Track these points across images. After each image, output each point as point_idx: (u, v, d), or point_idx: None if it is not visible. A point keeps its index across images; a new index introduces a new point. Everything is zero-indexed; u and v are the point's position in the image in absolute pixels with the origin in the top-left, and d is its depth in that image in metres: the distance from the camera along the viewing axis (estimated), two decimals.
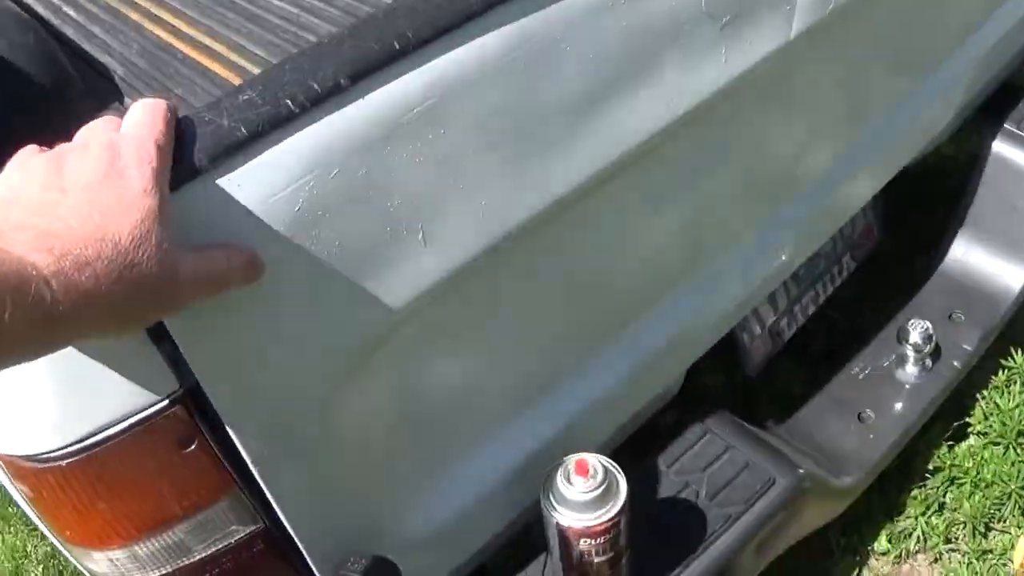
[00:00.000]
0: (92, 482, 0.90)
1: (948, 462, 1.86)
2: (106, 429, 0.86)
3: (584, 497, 1.14)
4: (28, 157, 0.75)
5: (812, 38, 1.28)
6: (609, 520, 1.14)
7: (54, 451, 0.87)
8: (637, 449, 1.43)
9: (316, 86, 0.85)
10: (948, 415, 1.87)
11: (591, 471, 1.14)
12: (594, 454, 1.17)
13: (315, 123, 0.86)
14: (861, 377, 1.70)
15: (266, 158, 0.84)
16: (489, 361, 1.16)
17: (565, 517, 1.15)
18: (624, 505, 1.16)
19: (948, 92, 1.74)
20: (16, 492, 0.99)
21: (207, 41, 1.82)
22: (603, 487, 1.14)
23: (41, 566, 2.13)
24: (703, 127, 1.21)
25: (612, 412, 1.35)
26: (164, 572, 1.00)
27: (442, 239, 0.97)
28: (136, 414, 0.86)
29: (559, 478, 1.15)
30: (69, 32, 1.98)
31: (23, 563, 2.15)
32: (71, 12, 2.08)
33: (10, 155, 0.77)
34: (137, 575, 1.00)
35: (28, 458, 0.88)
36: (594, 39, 1.01)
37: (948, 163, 2.08)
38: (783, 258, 1.52)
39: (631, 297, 1.30)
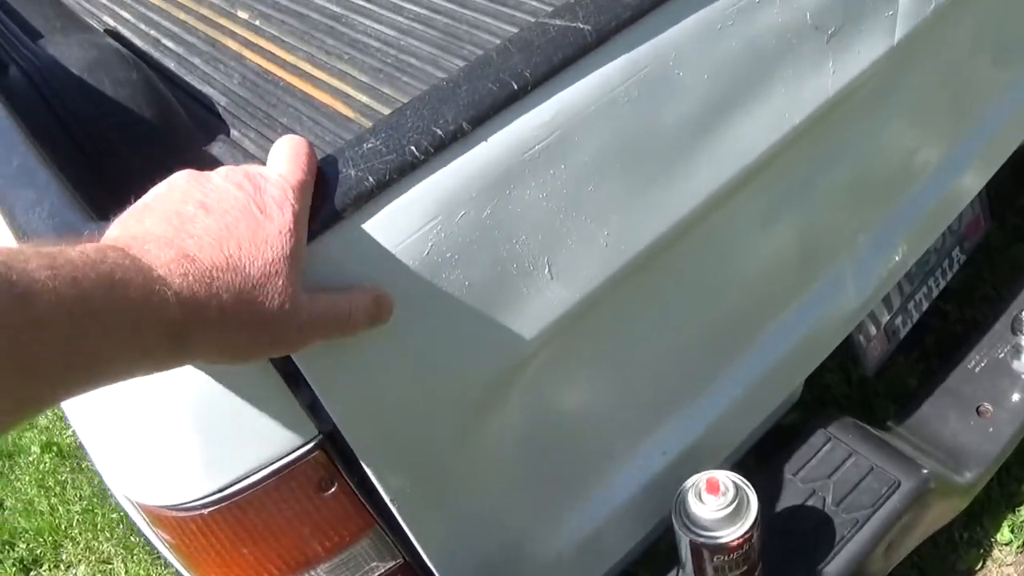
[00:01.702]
0: (235, 529, 0.91)
1: None
2: (247, 477, 0.87)
3: (716, 515, 1.12)
4: (179, 175, 0.73)
5: (915, 40, 1.24)
6: (741, 537, 1.13)
7: (196, 500, 0.88)
8: (762, 455, 1.41)
9: (439, 131, 0.85)
10: None
11: (722, 489, 1.12)
12: (724, 471, 1.15)
13: (439, 168, 0.85)
14: (977, 370, 1.65)
15: (394, 206, 0.84)
16: (619, 384, 1.14)
17: (698, 535, 1.13)
18: (756, 521, 1.14)
19: None
20: (156, 538, 1.01)
21: (308, 68, 1.83)
22: (734, 504, 1.12)
23: None
24: (815, 137, 1.19)
25: (738, 424, 1.33)
26: None
27: (568, 271, 0.96)
28: (276, 461, 0.87)
29: (691, 497, 1.13)
30: (170, 65, 2.00)
31: None
32: (170, 44, 2.10)
33: (125, 191, 0.77)
34: None
35: (170, 507, 0.89)
36: (705, 62, 0.99)
37: None
38: (897, 259, 1.48)
39: (753, 310, 1.27)
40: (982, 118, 1.55)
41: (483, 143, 0.86)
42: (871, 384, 1.75)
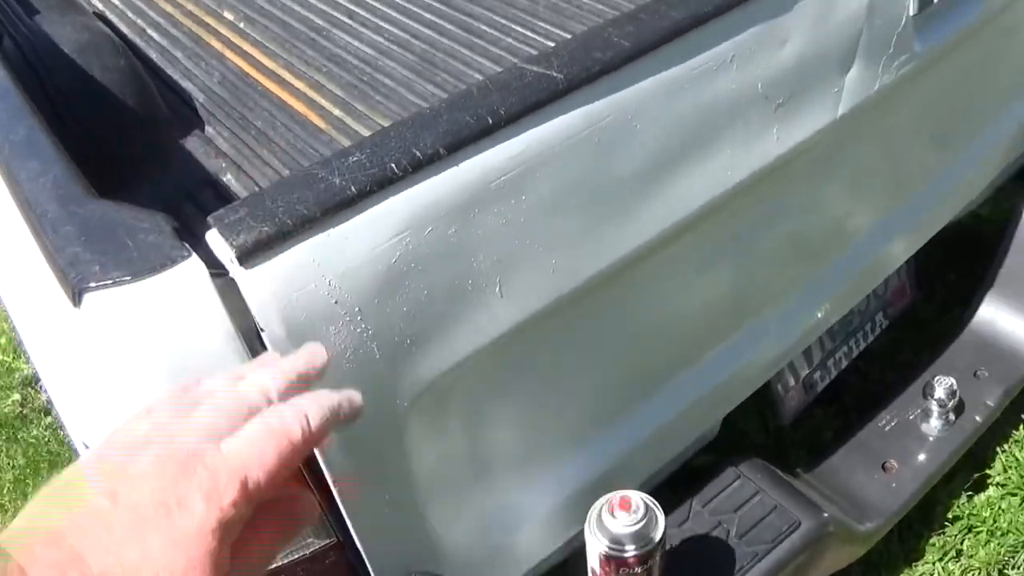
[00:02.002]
0: None
1: (967, 511, 1.95)
2: None
3: (626, 530, 1.24)
4: (107, 443, 0.60)
5: (858, 116, 1.38)
6: (647, 552, 1.25)
7: None
8: (676, 488, 1.53)
9: (417, 153, 0.96)
10: (969, 467, 1.96)
11: (633, 507, 1.24)
12: (636, 492, 1.27)
13: (414, 186, 0.97)
14: (887, 429, 1.79)
15: (371, 214, 0.95)
16: (545, 404, 1.27)
17: (607, 548, 1.25)
18: (661, 539, 1.26)
19: (983, 161, 1.84)
20: None
21: (287, 76, 1.93)
22: (643, 522, 1.24)
23: None
24: (755, 195, 1.32)
25: (656, 452, 1.45)
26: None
27: (516, 292, 1.08)
28: None
29: (604, 511, 1.25)
30: (153, 56, 2.09)
31: None
32: (155, 35, 2.19)
33: (107, 173, 0.85)
34: None
35: None
36: (661, 118, 1.12)
37: (983, 225, 2.17)
38: (819, 316, 1.62)
39: (680, 348, 1.40)
40: (915, 193, 1.70)
41: (455, 168, 0.98)
42: (787, 433, 1.88)
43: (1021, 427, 2.01)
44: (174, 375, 0.91)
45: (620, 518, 1.24)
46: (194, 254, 0.91)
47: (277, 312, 0.92)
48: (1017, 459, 1.96)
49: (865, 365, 1.92)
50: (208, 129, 1.87)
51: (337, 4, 2.19)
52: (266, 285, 0.91)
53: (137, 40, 2.16)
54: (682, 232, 1.24)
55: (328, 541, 1.12)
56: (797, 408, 1.80)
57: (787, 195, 1.41)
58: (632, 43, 1.08)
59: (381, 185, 0.95)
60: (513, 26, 1.73)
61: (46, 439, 2.54)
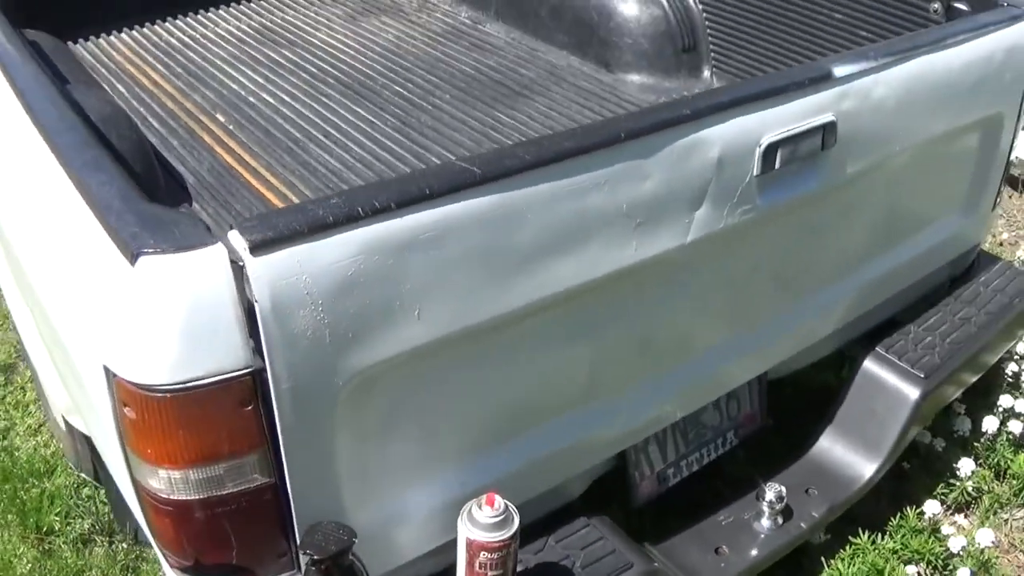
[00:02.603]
0: (181, 414, 1.62)
1: None
2: (202, 379, 1.59)
3: (489, 521, 1.85)
4: None
5: (704, 246, 2.07)
6: (504, 540, 1.85)
7: (164, 384, 1.59)
8: (536, 528, 2.14)
9: (376, 204, 1.63)
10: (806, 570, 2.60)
11: (496, 504, 1.86)
12: (500, 495, 1.89)
13: (369, 225, 1.63)
14: (724, 523, 2.43)
15: (339, 238, 1.61)
16: (441, 414, 1.90)
17: (473, 534, 1.86)
18: (515, 533, 1.87)
19: (824, 313, 2.53)
20: (110, 414, 1.69)
21: (265, 174, 2.63)
22: (502, 517, 1.85)
23: None
24: (613, 292, 1.99)
25: (522, 485, 2.07)
26: (199, 497, 1.71)
27: (428, 318, 1.73)
28: (223, 374, 1.59)
29: (474, 506, 1.86)
30: (153, 140, 2.79)
31: None
32: (155, 124, 2.90)
33: None
34: (180, 496, 1.71)
35: (141, 386, 1.60)
36: (547, 214, 1.80)
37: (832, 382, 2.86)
38: (667, 409, 2.28)
39: (539, 404, 2.05)
40: (757, 325, 2.38)
41: (399, 219, 1.65)
42: (636, 514, 2.49)
43: (848, 547, 2.64)
44: (193, 319, 1.54)
45: (485, 511, 1.85)
46: (220, 242, 1.56)
47: (268, 290, 1.56)
48: (840, 572, 2.59)
49: (713, 472, 2.55)
50: (195, 205, 2.54)
51: (314, 123, 2.92)
52: (264, 270, 1.56)
53: (140, 124, 2.84)
54: (552, 306, 1.90)
55: (267, 480, 1.73)
56: (649, 495, 2.43)
57: (641, 298, 2.08)
58: (532, 157, 1.77)
59: (348, 221, 1.61)
60: (457, 149, 2.45)
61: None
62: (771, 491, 2.42)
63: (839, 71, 2.17)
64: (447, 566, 1.98)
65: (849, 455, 2.56)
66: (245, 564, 1.81)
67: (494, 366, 1.92)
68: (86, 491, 3.00)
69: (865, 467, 2.54)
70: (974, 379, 2.76)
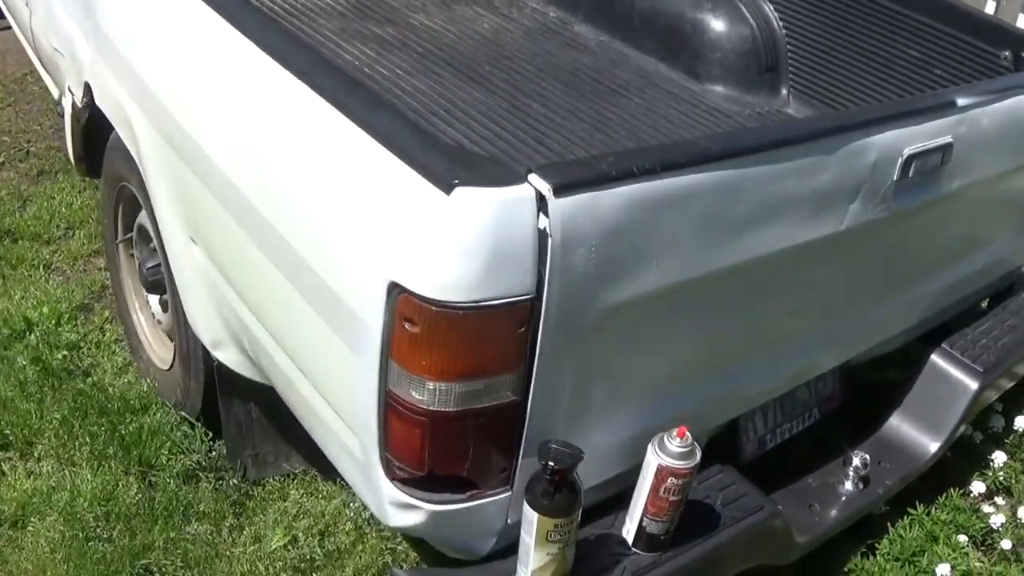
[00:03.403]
0: (468, 331, 1.88)
1: (860, 568, 2.91)
2: (494, 300, 1.86)
3: (679, 450, 2.14)
4: None
5: (850, 235, 2.39)
6: (689, 468, 2.14)
7: (460, 302, 1.84)
8: None
9: (646, 165, 1.92)
10: (864, 536, 2.93)
11: (686, 436, 2.15)
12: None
13: (639, 183, 1.92)
14: (814, 484, 2.76)
15: (615, 191, 1.89)
16: (649, 356, 2.19)
17: (664, 460, 2.14)
18: (697, 465, 2.16)
19: (908, 310, 2.89)
20: (379, 325, 1.92)
21: None
22: (690, 448, 2.15)
23: None
24: (782, 266, 2.30)
25: (699, 420, 2.36)
26: (457, 409, 1.96)
27: (664, 266, 2.03)
28: (512, 297, 1.86)
29: (667, 436, 2.15)
30: None
31: None
32: None
33: None
34: (440, 407, 1.96)
35: (436, 302, 1.85)
36: (757, 191, 2.11)
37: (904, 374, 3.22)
38: (789, 376, 2.61)
39: (718, 353, 2.36)
40: (859, 315, 2.73)
41: (659, 180, 1.94)
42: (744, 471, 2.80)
43: (905, 517, 3.00)
44: (497, 246, 1.81)
45: (676, 441, 2.14)
46: (528, 182, 1.83)
47: (560, 228, 1.83)
48: (901, 536, 2.95)
49: (802, 441, 2.89)
50: None
51: (433, 99, 3.13)
52: (561, 210, 1.83)
53: None
54: (745, 270, 2.21)
55: (514, 398, 2.00)
56: (752, 455, 2.74)
57: (794, 276, 2.38)
58: (753, 143, 2.09)
59: (624, 177, 1.90)
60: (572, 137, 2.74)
61: (91, 392, 3.29)
62: (857, 457, 2.76)
63: (961, 101, 2.53)
64: (617, 492, 2.27)
65: (916, 434, 2.92)
66: (471, 477, 2.07)
67: (694, 316, 2.22)
68: (184, 428, 3.17)
69: (930, 445, 2.90)
70: (1018, 379, 3.15)
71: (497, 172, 1.87)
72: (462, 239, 1.82)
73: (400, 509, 2.09)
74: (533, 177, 1.84)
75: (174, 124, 2.60)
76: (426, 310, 1.86)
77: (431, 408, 1.95)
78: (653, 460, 2.15)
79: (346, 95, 2.10)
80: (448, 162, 1.87)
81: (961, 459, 3.27)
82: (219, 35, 2.46)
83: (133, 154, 2.91)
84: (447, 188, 1.81)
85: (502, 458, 2.07)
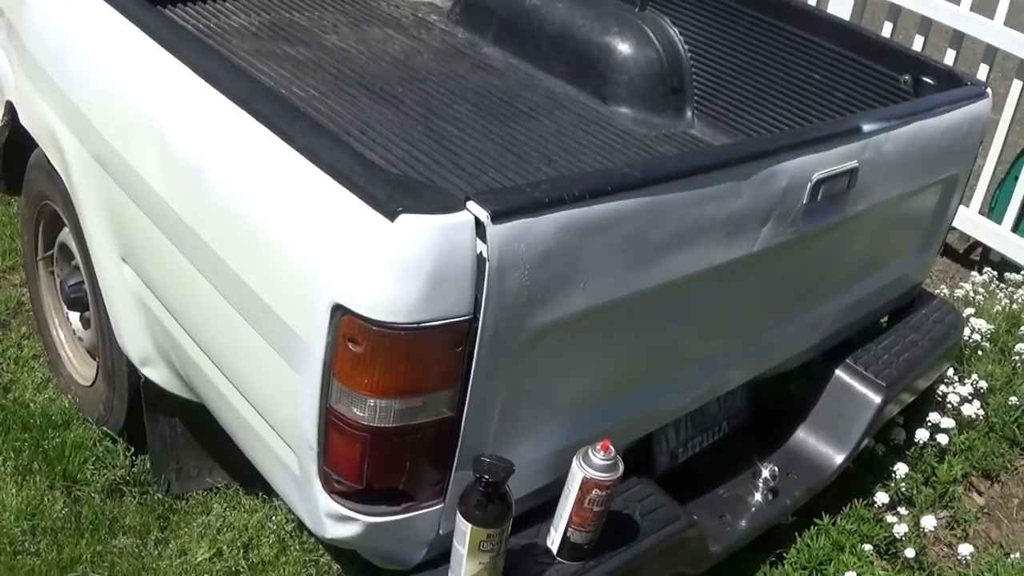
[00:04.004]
0: (408, 351, 1.99)
1: None
2: (434, 321, 1.97)
3: (603, 463, 2.27)
4: None
5: (759, 257, 2.54)
6: (613, 480, 2.27)
7: (402, 323, 1.96)
8: None
9: (576, 192, 2.06)
10: (771, 546, 3.10)
11: (609, 449, 2.28)
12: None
13: (570, 209, 2.05)
14: (725, 496, 2.92)
15: (548, 217, 2.02)
16: (571, 374, 2.32)
17: (588, 473, 2.27)
18: (620, 477, 2.30)
19: (813, 327, 3.07)
20: (321, 345, 2.02)
21: None
22: (613, 461, 2.28)
23: None
24: (695, 287, 2.45)
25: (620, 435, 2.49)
26: (396, 425, 2.07)
27: (589, 289, 2.16)
28: (451, 319, 1.98)
29: (591, 449, 2.28)
30: None
31: None
32: None
33: None
34: (379, 423, 2.07)
35: (379, 323, 1.96)
36: (676, 216, 2.26)
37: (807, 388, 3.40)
38: (699, 394, 2.77)
39: (638, 372, 2.50)
40: (766, 333, 2.90)
41: (588, 207, 2.07)
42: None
43: (811, 527, 3.18)
44: (439, 270, 1.93)
45: (601, 454, 2.27)
46: (467, 208, 1.95)
47: (497, 252, 1.96)
48: (808, 545, 3.12)
49: (711, 454, 3.05)
50: None
51: (349, 119, 3.24)
52: (498, 236, 1.95)
53: None
54: (662, 291, 2.35)
55: (449, 414, 2.11)
56: (665, 467, 2.89)
57: (706, 296, 2.53)
58: (674, 170, 2.24)
59: (556, 203, 2.03)
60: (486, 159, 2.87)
61: (13, 407, 3.35)
62: (766, 470, 2.92)
63: (867, 127, 2.71)
64: (541, 503, 2.40)
65: (822, 447, 3.10)
66: (407, 490, 2.17)
67: (616, 336, 2.36)
68: (107, 444, 3.23)
69: (835, 457, 3.08)
70: (918, 393, 3.35)
71: (437, 199, 1.99)
72: (405, 263, 1.93)
73: (337, 521, 2.19)
74: (472, 204, 1.96)
75: (106, 145, 2.66)
76: (369, 331, 1.97)
77: (371, 424, 2.06)
78: (578, 472, 2.28)
79: (288, 124, 2.20)
80: (391, 189, 1.99)
81: (865, 471, 3.45)
82: (153, 58, 2.54)
83: (61, 174, 2.95)
84: (391, 215, 1.93)
85: (436, 471, 2.18)
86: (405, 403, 2.06)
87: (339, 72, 3.56)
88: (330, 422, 2.10)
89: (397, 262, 1.94)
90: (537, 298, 2.08)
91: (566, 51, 3.80)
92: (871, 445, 3.44)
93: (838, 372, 3.16)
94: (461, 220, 1.95)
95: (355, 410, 2.05)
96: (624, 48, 3.69)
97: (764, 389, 3.20)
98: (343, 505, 2.17)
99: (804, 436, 3.12)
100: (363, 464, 2.12)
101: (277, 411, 2.26)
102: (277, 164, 2.17)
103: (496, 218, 1.95)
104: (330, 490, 2.17)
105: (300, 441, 2.17)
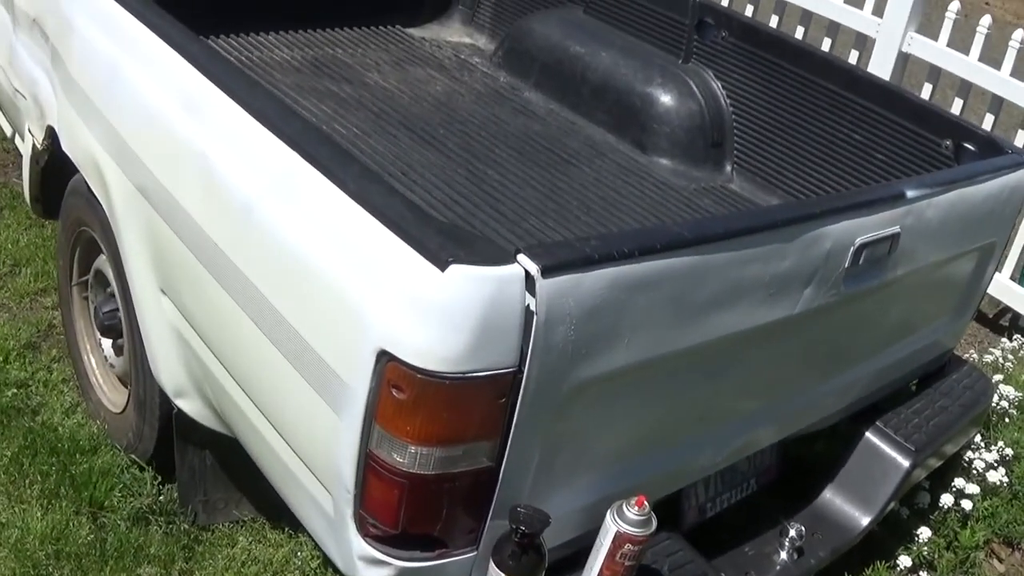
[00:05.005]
0: (452, 400, 2.01)
1: None
2: (480, 372, 1.99)
3: (637, 518, 2.28)
4: None
5: (800, 319, 2.57)
6: (646, 536, 2.28)
7: (448, 372, 1.98)
8: None
9: (625, 249, 2.08)
10: None
11: (645, 506, 2.30)
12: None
13: (618, 265, 2.07)
14: (750, 553, 2.92)
15: (597, 273, 2.04)
16: (609, 428, 2.33)
17: (622, 527, 2.28)
18: (653, 533, 2.31)
19: (846, 389, 3.08)
20: (364, 389, 2.05)
21: None
22: (647, 516, 2.29)
23: None
24: (736, 346, 2.47)
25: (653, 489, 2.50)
26: (435, 472, 2.09)
27: (633, 345, 2.18)
28: (496, 370, 2.00)
29: (625, 504, 2.29)
30: None
31: None
32: None
33: None
34: (418, 470, 2.08)
35: (425, 371, 1.98)
36: (721, 275, 2.27)
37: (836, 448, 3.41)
38: (731, 452, 2.77)
39: (675, 427, 2.51)
40: (800, 394, 2.91)
41: (636, 264, 2.09)
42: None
43: None
44: (487, 321, 1.95)
45: (635, 510, 2.29)
46: (517, 261, 1.98)
47: (545, 306, 1.98)
48: None
49: (738, 511, 3.05)
50: None
51: (391, 159, 3.28)
52: (547, 290, 1.97)
53: None
54: (703, 350, 2.37)
55: (490, 464, 2.13)
56: (692, 522, 2.90)
57: (745, 356, 2.55)
58: (722, 230, 2.25)
59: (605, 260, 2.05)
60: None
61: (41, 431, 3.35)
62: (793, 528, 2.93)
63: (910, 192, 2.72)
64: (570, 554, 2.41)
65: (848, 508, 3.10)
66: (441, 536, 2.19)
67: (655, 392, 2.37)
68: (134, 471, 3.25)
69: (861, 519, 3.08)
70: (945, 459, 3.36)
71: (488, 250, 2.01)
72: (453, 313, 1.95)
73: (369, 564, 2.20)
74: (522, 257, 1.99)
75: (150, 176, 2.69)
76: (415, 378, 1.99)
77: (410, 471, 2.07)
78: (611, 527, 2.29)
79: (341, 167, 2.23)
80: (442, 238, 2.01)
81: (888, 533, 3.45)
82: (203, 93, 2.57)
83: (102, 202, 2.99)
84: (442, 264, 1.95)
85: (472, 520, 2.20)
86: (446, 451, 2.08)
87: (381, 111, 3.59)
88: (369, 466, 2.11)
89: (446, 311, 1.96)
90: (581, 352, 2.10)
91: (608, 99, 3.84)
92: (896, 508, 3.44)
93: (868, 434, 3.17)
94: (511, 273, 1.97)
95: (395, 456, 2.07)
96: (667, 99, 3.73)
97: (791, 447, 3.20)
98: (377, 549, 2.18)
99: (831, 496, 3.12)
100: (400, 509, 2.13)
101: (314, 451, 2.28)
102: (328, 207, 2.20)
103: (546, 272, 1.97)
104: (365, 533, 2.19)
105: (337, 483, 2.19)
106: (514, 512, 2.12)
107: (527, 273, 1.98)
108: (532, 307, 1.98)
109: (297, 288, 2.24)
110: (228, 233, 2.43)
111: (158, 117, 2.71)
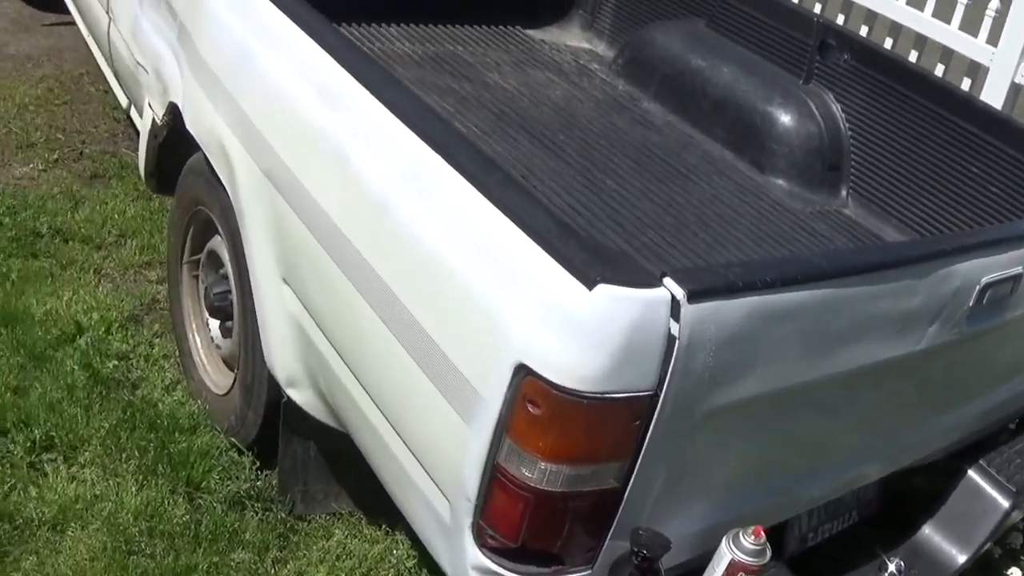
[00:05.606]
0: (588, 419, 2.01)
1: None
2: (618, 393, 1.99)
3: (753, 548, 2.27)
4: None
5: (923, 355, 2.54)
6: (761, 566, 2.27)
7: (587, 392, 1.97)
8: None
9: (768, 279, 2.07)
10: None
11: (761, 536, 2.28)
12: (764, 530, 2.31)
13: (759, 295, 2.06)
14: None
15: (738, 301, 2.03)
16: (730, 456, 2.32)
17: (737, 556, 2.27)
18: (767, 564, 2.30)
19: (953, 427, 3.05)
20: (499, 402, 2.05)
21: None
22: (763, 547, 2.28)
23: None
24: (858, 382, 2.45)
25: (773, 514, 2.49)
26: (562, 490, 2.08)
27: (763, 375, 2.16)
28: (634, 392, 2.00)
29: (742, 532, 2.28)
30: None
31: None
32: None
33: None
34: (545, 487, 2.08)
35: (563, 388, 1.98)
36: (853, 309, 2.26)
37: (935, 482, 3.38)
38: (828, 491, 2.76)
39: (793, 458, 2.49)
40: (910, 431, 2.88)
41: (775, 294, 2.08)
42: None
43: None
44: (630, 343, 1.94)
45: (752, 539, 2.28)
46: (664, 285, 1.97)
47: (688, 331, 1.97)
48: None
49: (835, 541, 3.03)
50: None
51: (510, 162, 3.27)
52: (691, 315, 1.96)
53: None
54: (829, 383, 2.35)
55: (616, 485, 2.12)
56: (794, 551, 2.89)
57: (864, 390, 2.53)
58: (860, 263, 2.24)
59: (747, 288, 2.04)
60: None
61: (141, 405, 3.38)
62: (893, 563, 2.91)
63: None
64: None
65: (946, 545, 3.07)
66: (559, 553, 2.19)
67: (777, 423, 2.36)
68: (232, 455, 3.27)
69: (958, 557, 3.04)
70: None
71: (635, 272, 2.01)
72: (597, 333, 1.95)
73: (482, 574, 2.21)
74: (668, 281, 1.98)
75: (279, 163, 2.70)
76: (552, 395, 1.99)
77: (537, 486, 2.07)
78: (726, 554, 2.27)
79: (484, 174, 2.22)
80: (589, 256, 2.01)
81: (980, 572, 3.41)
82: (342, 85, 2.57)
83: (225, 184, 3.00)
84: (590, 283, 1.95)
85: (591, 539, 2.19)
86: (575, 470, 2.08)
87: (501, 112, 3.59)
88: (495, 478, 2.11)
89: (590, 331, 1.96)
90: (717, 380, 2.09)
91: (727, 116, 3.82)
92: (990, 547, 3.40)
93: (970, 472, 3.13)
94: (658, 296, 1.96)
95: (524, 470, 2.07)
96: (786, 119, 3.71)
97: (890, 481, 3.16)
98: (493, 560, 2.18)
99: (929, 533, 3.09)
100: (522, 523, 2.13)
101: (437, 457, 2.28)
102: (471, 215, 2.20)
103: (692, 297, 1.97)
104: (482, 544, 2.19)
105: (457, 491, 2.19)
106: (635, 535, 2.11)
107: (673, 297, 1.96)
108: (675, 331, 1.97)
109: (432, 292, 2.24)
110: (362, 229, 2.43)
111: (292, 104, 2.72)
